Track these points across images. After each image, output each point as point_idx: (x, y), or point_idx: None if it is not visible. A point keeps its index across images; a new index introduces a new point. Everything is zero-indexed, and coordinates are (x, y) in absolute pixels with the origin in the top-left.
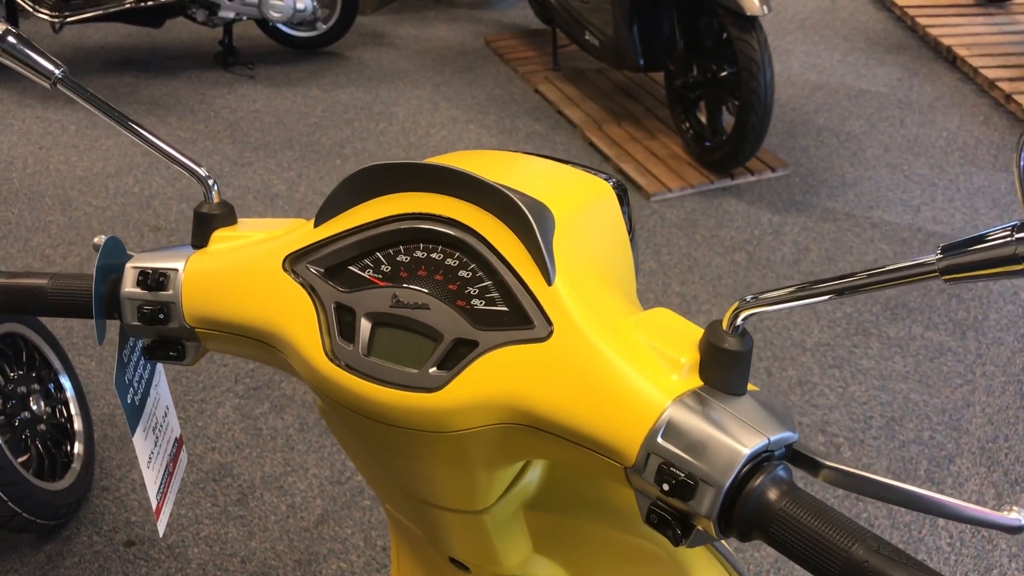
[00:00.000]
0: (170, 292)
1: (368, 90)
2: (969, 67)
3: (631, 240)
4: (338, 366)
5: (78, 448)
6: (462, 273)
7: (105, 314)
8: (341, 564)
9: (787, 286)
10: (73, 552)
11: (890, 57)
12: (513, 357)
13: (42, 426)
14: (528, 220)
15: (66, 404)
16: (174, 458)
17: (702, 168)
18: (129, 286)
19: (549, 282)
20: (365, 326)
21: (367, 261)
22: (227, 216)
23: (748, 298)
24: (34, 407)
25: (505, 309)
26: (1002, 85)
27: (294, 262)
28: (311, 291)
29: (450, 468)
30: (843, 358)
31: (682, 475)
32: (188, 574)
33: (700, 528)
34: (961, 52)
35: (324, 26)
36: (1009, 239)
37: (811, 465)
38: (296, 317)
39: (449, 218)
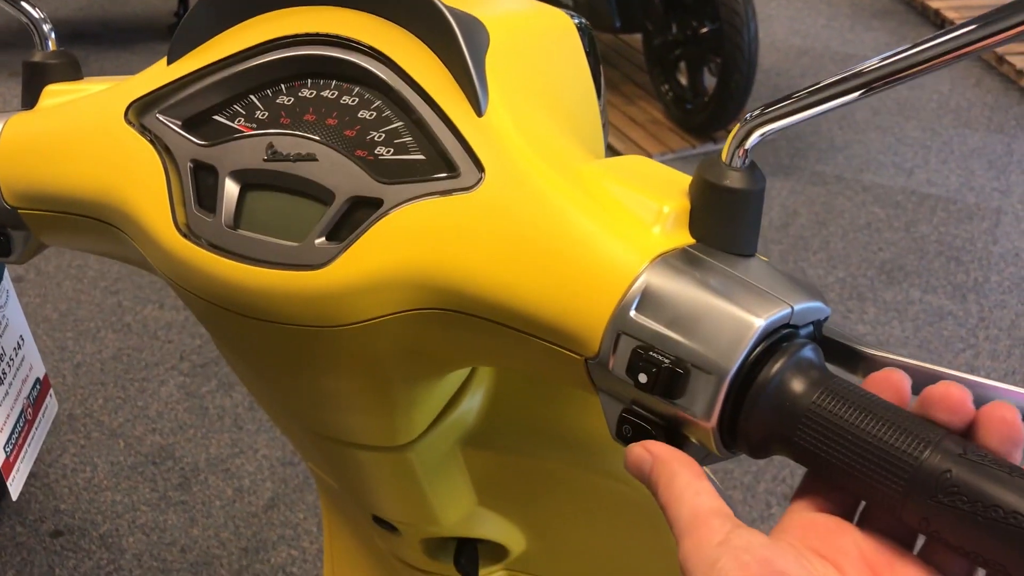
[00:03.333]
0: None
1: None
2: None
3: (599, 96)
4: (194, 243)
5: None
6: (363, 114)
7: None
8: (292, 551)
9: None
10: None
11: (876, 22)
12: (428, 214)
13: None
14: (451, 27)
15: None
16: (35, 403)
17: (683, 132)
18: None
19: (479, 111)
20: (231, 189)
21: (237, 107)
22: (65, 68)
23: (754, 113)
24: None
25: (421, 157)
26: None
27: (141, 112)
28: (162, 148)
29: (355, 384)
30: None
31: (666, 361)
32: (121, 566)
33: (694, 441)
34: (950, 15)
35: None
36: None
37: (848, 357)
38: (141, 182)
39: (345, 38)
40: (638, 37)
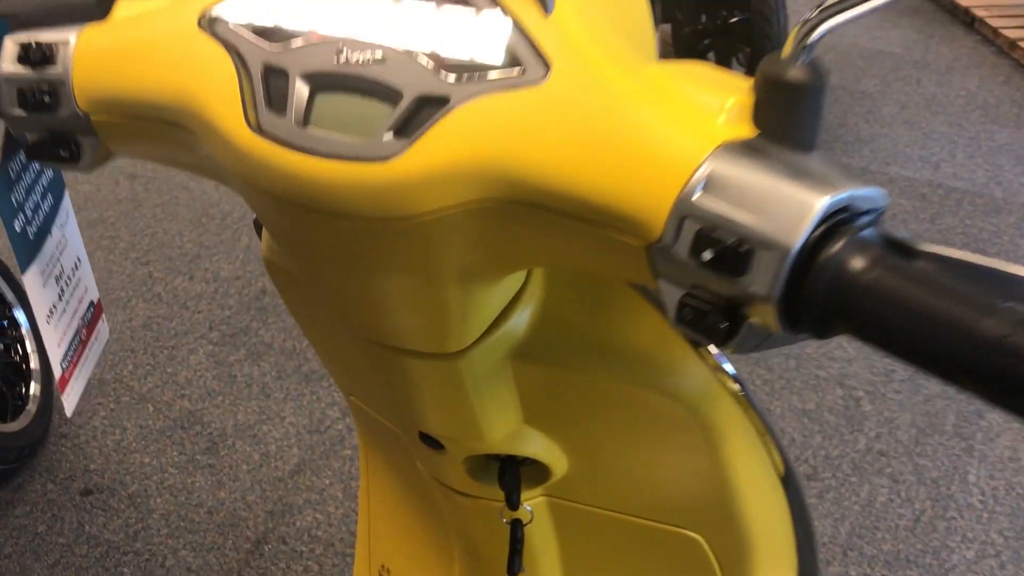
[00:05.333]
0: (58, 68)
1: None
2: (989, 28)
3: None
4: (265, 139)
5: (34, 389)
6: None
7: None
8: (318, 515)
9: None
10: (24, 500)
11: (904, 19)
12: (495, 109)
13: None
14: None
15: (21, 341)
16: (89, 325)
17: None
18: (7, 63)
19: (547, 9)
20: (301, 90)
21: (307, 13)
22: None
23: (814, 11)
24: None
25: (487, 54)
26: None
27: (215, 18)
28: (234, 51)
29: (412, 282)
30: None
31: (729, 241)
32: (149, 524)
33: (755, 320)
34: (980, 13)
35: None
36: None
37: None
38: (214, 84)
39: None
40: (668, 28)
